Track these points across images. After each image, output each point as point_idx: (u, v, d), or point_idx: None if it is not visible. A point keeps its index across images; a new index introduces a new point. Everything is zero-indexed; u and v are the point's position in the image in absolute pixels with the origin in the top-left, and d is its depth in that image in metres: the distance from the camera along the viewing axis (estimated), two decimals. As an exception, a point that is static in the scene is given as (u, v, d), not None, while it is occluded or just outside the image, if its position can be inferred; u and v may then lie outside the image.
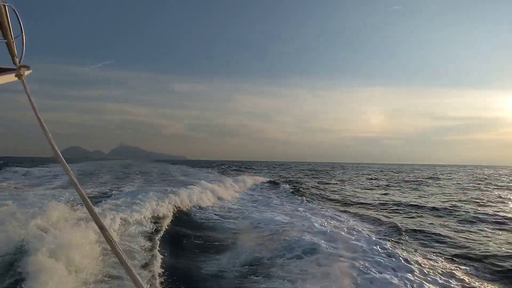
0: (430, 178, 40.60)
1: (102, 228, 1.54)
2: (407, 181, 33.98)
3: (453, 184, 31.12)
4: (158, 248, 7.11)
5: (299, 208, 13.67)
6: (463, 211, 14.34)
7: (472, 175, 49.94)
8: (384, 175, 46.86)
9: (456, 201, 18.35)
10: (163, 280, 5.63)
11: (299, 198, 17.36)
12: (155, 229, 8.70)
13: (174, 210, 11.38)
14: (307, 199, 17.18)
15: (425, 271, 6.18)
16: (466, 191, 23.99)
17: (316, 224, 9.65)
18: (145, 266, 6.08)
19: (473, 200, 18.77)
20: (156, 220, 9.63)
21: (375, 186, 27.78)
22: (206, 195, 15.22)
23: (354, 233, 8.68)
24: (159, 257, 6.55)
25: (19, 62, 2.18)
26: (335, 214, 12.59)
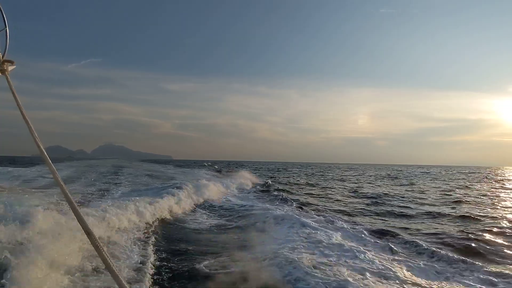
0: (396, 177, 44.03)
1: (88, 233, 1.50)
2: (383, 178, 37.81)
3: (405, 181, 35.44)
4: (149, 254, 6.74)
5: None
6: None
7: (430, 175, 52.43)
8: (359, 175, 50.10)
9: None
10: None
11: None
12: (146, 234, 8.23)
13: (164, 214, 10.94)
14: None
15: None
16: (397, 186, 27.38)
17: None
18: (136, 271, 5.75)
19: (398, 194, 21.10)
20: (147, 225, 9.17)
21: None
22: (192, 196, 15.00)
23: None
24: (149, 264, 6.17)
25: (2, 57, 2.08)
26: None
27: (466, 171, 78.14)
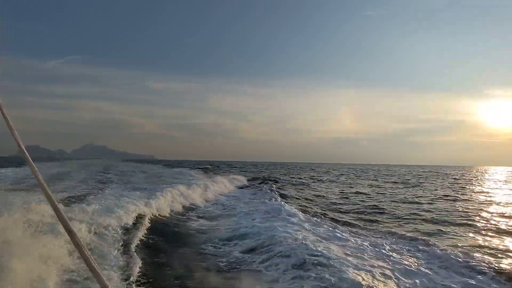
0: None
1: (70, 231, 1.47)
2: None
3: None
4: (135, 253, 6.63)
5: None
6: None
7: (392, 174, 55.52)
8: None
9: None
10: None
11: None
12: (132, 234, 8.08)
13: (150, 215, 10.70)
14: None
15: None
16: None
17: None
18: (120, 271, 5.67)
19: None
20: (133, 224, 9.01)
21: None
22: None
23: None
24: (136, 263, 6.05)
25: None
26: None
27: (441, 170, 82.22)
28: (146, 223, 9.60)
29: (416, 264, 6.73)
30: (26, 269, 4.57)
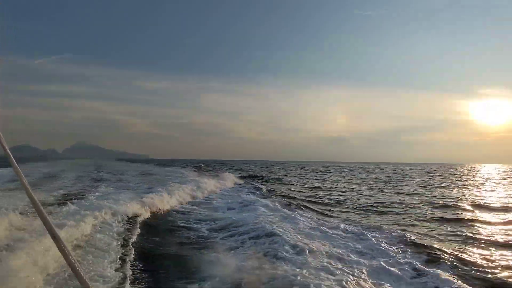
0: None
1: (55, 237, 1.43)
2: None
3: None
4: (123, 257, 6.58)
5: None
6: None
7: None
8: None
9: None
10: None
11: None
12: (124, 238, 8.00)
13: (146, 217, 10.93)
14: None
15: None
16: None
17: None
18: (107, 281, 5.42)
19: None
20: (126, 229, 8.89)
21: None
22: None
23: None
24: (128, 269, 6.00)
25: None
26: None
27: (429, 168, 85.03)
28: (138, 220, 9.98)
29: (347, 238, 8.63)
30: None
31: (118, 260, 6.33)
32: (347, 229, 9.60)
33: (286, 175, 40.40)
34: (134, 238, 8.07)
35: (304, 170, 59.80)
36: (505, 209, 14.55)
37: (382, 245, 7.95)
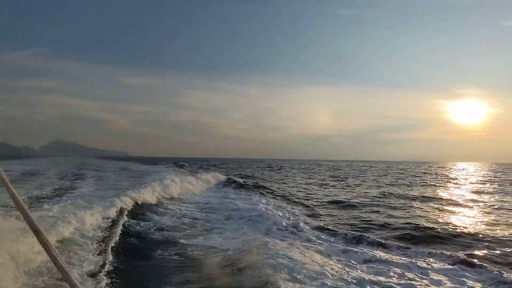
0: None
1: (36, 231, 1.42)
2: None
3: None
4: (108, 253, 6.73)
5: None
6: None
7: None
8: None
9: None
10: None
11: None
12: (106, 235, 8.12)
13: (128, 210, 11.14)
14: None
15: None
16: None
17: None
18: (90, 274, 5.65)
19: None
20: (107, 224, 9.06)
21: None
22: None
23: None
24: (108, 262, 6.22)
25: None
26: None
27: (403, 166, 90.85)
28: (120, 218, 9.91)
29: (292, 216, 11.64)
30: None
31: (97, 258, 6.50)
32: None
33: (263, 173, 42.84)
34: (112, 242, 7.65)
35: (275, 167, 64.81)
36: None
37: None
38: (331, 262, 6.93)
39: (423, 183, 28.71)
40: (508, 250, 8.02)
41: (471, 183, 30.27)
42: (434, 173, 47.32)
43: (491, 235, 9.57)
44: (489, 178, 37.45)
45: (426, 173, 48.29)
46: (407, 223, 10.96)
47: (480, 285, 5.91)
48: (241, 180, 25.48)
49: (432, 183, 28.94)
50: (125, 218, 10.07)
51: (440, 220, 11.86)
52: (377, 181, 30.71)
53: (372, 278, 6.00)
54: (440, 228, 10.23)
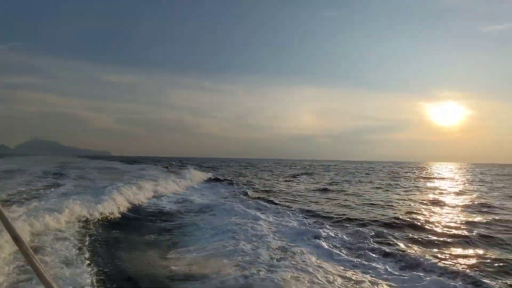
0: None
1: (16, 239, 1.34)
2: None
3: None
4: (88, 256, 6.59)
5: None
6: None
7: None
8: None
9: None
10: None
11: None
12: (85, 236, 7.98)
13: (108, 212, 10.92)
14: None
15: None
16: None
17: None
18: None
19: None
20: (84, 226, 8.92)
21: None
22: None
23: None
24: (86, 263, 6.11)
25: None
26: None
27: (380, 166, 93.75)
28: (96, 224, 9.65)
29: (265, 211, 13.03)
30: None
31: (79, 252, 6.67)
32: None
33: (246, 175, 43.44)
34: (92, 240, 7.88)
35: (257, 167, 65.38)
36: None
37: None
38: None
39: (369, 182, 30.08)
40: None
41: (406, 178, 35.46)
42: (395, 173, 49.09)
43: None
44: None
45: (393, 172, 50.06)
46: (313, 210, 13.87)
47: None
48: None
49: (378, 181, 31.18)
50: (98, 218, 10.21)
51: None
52: (331, 178, 33.67)
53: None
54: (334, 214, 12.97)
